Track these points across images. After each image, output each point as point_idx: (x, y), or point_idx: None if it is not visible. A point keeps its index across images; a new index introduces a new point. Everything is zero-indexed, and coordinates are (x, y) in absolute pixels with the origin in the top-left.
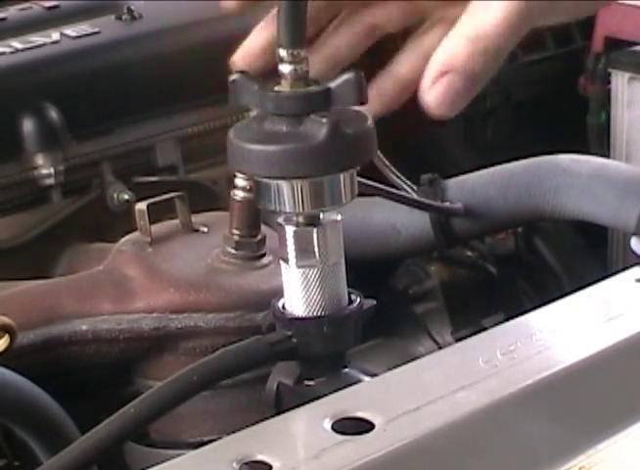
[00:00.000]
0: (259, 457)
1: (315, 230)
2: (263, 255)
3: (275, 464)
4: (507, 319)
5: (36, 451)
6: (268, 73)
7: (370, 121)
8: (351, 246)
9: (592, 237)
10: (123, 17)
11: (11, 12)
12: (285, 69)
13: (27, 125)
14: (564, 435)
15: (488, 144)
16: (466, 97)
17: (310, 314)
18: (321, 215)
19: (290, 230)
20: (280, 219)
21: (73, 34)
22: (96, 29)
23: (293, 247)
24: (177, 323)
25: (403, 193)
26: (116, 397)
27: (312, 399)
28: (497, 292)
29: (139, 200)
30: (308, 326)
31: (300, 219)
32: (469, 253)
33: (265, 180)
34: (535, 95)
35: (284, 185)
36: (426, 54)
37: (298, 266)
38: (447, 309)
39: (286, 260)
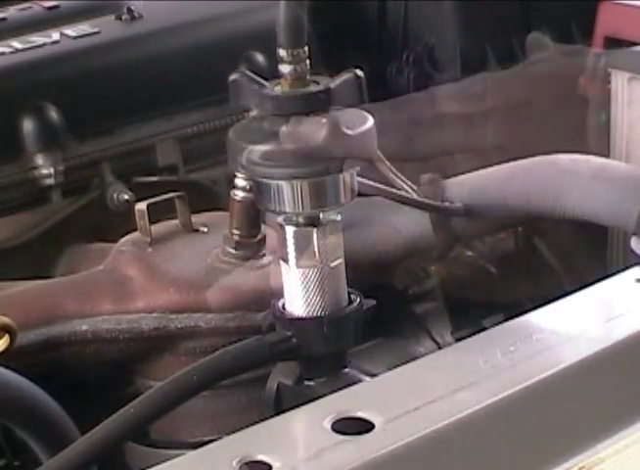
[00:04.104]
0: (259, 457)
1: (315, 230)
2: (263, 255)
3: (275, 464)
4: (507, 319)
5: (36, 451)
6: None
7: (370, 121)
8: (351, 246)
9: (592, 237)
10: (123, 17)
11: (11, 12)
12: (285, 69)
13: (27, 125)
14: (564, 435)
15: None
16: None
17: (310, 314)
18: (321, 216)
19: (290, 230)
20: (280, 219)
21: (73, 34)
22: (96, 29)
23: (293, 247)
24: (177, 323)
25: (403, 193)
26: (116, 397)
27: (312, 399)
28: (497, 292)
29: (139, 200)
30: (308, 326)
31: (300, 219)
32: (469, 253)
33: (265, 180)
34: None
35: (284, 185)
36: None
37: (298, 266)
38: (447, 309)
39: (286, 260)
